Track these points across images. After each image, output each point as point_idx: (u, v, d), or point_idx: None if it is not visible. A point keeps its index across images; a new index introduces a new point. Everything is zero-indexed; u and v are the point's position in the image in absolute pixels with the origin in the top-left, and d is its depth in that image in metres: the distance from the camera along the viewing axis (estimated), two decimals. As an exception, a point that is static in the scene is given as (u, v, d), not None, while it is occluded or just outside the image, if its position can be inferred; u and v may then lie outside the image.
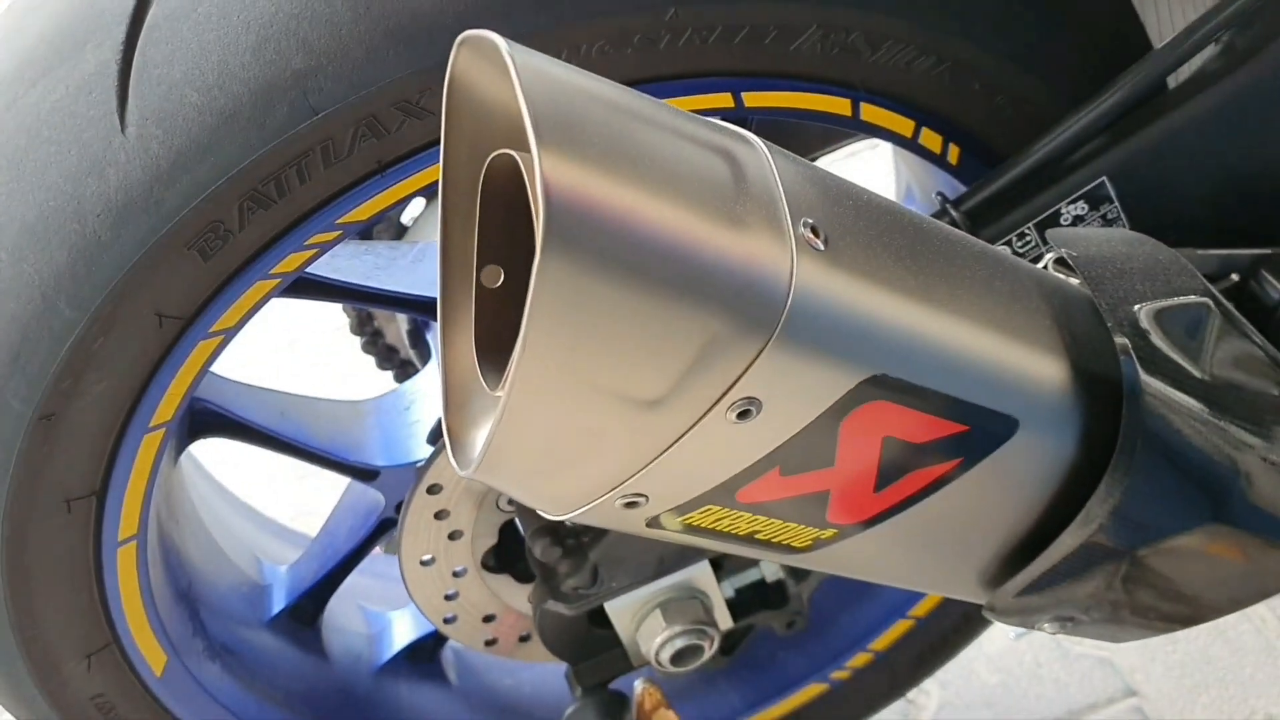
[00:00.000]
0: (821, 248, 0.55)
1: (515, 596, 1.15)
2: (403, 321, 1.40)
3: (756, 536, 0.67)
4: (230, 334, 0.85)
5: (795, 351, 0.55)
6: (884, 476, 0.64)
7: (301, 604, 1.22)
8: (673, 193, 0.51)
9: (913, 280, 0.60)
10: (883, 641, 1.25)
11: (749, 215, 0.53)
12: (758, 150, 0.57)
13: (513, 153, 0.53)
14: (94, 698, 1.00)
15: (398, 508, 1.15)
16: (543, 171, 0.47)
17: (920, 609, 1.24)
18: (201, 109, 0.74)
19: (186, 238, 0.77)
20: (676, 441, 0.56)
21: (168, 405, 0.87)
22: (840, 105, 0.87)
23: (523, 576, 1.14)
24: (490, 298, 0.57)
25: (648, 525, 0.63)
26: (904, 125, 0.89)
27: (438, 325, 0.60)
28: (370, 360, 1.51)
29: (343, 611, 1.28)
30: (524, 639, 1.19)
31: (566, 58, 0.77)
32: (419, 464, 1.09)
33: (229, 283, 0.81)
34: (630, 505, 0.60)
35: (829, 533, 0.68)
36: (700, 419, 0.55)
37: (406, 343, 1.39)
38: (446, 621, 1.15)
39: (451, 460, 0.57)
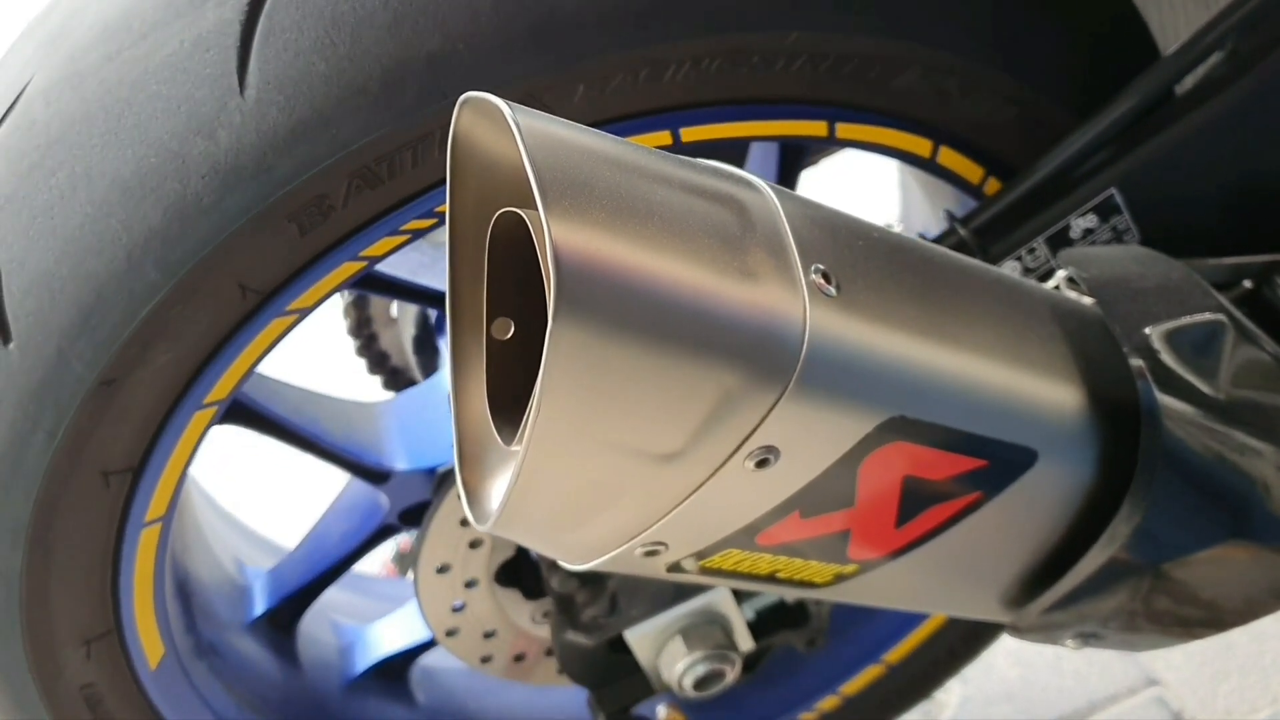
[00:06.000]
0: (833, 293, 0.54)
1: (520, 613, 1.13)
2: (406, 329, 1.38)
3: (778, 575, 0.66)
4: (305, 313, 0.83)
5: (811, 400, 0.54)
6: (905, 513, 0.64)
7: (282, 609, 1.18)
8: (683, 249, 0.50)
9: (927, 319, 0.59)
10: (896, 654, 1.25)
11: (759, 266, 0.52)
12: (765, 197, 0.56)
13: (519, 210, 0.52)
14: (84, 687, 0.95)
15: (401, 515, 1.13)
16: (552, 237, 0.46)
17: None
18: (329, 79, 0.72)
19: (289, 210, 0.75)
20: (695, 492, 0.55)
21: (226, 383, 0.84)
22: (921, 146, 0.89)
23: (531, 593, 1.12)
24: (501, 350, 0.56)
25: (668, 570, 0.63)
26: (975, 172, 0.91)
27: (449, 379, 0.59)
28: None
29: (317, 622, 1.25)
30: (519, 659, 1.17)
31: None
32: (438, 469, 1.08)
33: (318, 260, 0.79)
34: (650, 554, 0.59)
35: (850, 568, 0.67)
36: (718, 470, 0.54)
37: (408, 350, 1.36)
38: (449, 634, 1.13)
39: (468, 514, 0.56)
